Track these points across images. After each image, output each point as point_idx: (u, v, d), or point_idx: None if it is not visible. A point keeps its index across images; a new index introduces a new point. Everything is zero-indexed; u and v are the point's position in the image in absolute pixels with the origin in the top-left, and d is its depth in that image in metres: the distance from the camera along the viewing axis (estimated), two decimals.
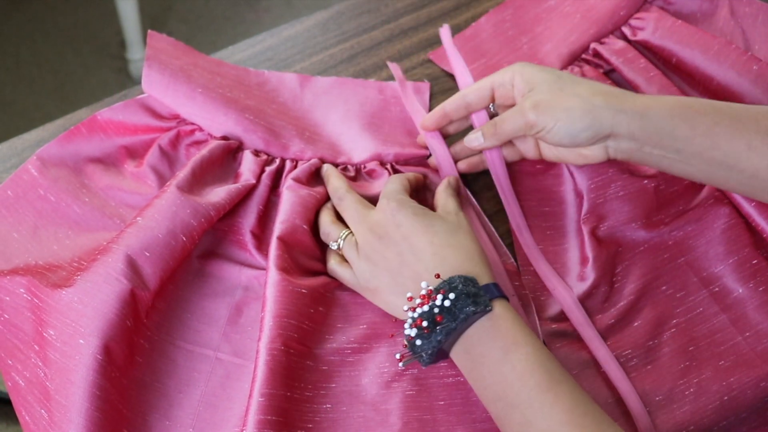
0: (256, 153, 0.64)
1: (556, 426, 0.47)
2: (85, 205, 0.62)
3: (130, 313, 0.54)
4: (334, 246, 0.60)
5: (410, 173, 0.64)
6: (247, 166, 0.63)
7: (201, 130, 0.65)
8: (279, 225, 0.59)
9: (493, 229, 0.64)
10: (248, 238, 0.61)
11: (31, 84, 1.64)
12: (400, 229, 0.56)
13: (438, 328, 0.51)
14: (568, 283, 0.62)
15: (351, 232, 0.59)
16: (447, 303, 0.51)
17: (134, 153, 0.65)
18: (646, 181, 0.64)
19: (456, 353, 0.53)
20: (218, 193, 0.60)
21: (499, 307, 0.52)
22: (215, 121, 0.64)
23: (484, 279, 0.54)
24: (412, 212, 0.57)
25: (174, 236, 0.56)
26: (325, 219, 0.61)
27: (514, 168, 0.67)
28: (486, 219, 0.65)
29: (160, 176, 0.63)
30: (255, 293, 0.60)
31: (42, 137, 0.68)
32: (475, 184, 0.67)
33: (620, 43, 0.70)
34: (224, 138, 0.64)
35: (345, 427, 0.55)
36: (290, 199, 0.61)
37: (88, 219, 0.61)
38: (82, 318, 0.52)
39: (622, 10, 0.71)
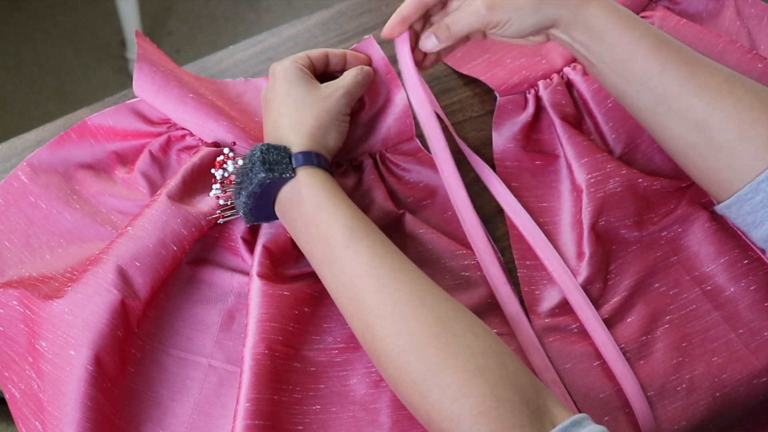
0: None
1: (355, 278, 0.52)
2: (77, 212, 0.61)
3: (121, 323, 0.53)
4: None
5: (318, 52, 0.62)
6: None
7: (192, 135, 0.64)
8: (264, 232, 0.59)
9: (482, 227, 0.63)
10: (239, 244, 0.61)
11: (31, 84, 1.64)
12: (273, 92, 0.59)
13: (239, 189, 0.56)
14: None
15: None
16: (231, 168, 0.59)
17: (125, 159, 0.64)
18: (640, 180, 0.64)
19: (279, 216, 0.57)
20: (209, 202, 0.59)
21: (304, 175, 0.55)
22: (206, 128, 0.63)
23: (297, 149, 0.56)
24: (292, 77, 0.59)
25: (164, 246, 0.56)
26: None
27: (513, 164, 0.67)
28: (474, 210, 0.63)
29: (151, 182, 0.62)
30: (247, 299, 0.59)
31: (42, 137, 0.67)
32: (476, 185, 0.67)
33: None
34: (215, 144, 0.63)
35: (336, 428, 0.55)
36: None
37: (80, 227, 0.61)
38: (73, 329, 0.52)
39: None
